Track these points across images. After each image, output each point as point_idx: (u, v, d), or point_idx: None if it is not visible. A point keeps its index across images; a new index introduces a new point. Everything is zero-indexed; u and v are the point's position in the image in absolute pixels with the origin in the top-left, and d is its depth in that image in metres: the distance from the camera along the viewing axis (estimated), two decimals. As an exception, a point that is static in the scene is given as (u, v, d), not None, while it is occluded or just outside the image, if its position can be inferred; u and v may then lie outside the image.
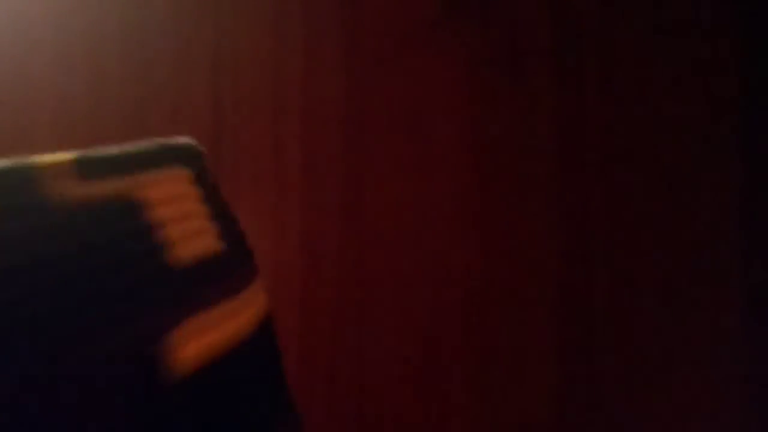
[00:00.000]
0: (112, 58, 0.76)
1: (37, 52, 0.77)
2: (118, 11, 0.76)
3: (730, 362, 0.62)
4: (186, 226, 0.34)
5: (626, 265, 0.65)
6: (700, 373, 0.63)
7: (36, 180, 0.29)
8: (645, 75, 0.65)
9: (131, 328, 0.29)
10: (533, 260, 0.66)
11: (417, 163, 0.69)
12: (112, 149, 0.33)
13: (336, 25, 0.71)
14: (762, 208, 0.63)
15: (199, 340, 0.31)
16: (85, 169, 0.30)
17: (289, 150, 0.71)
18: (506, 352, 0.66)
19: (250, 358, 0.34)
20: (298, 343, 0.69)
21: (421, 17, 0.69)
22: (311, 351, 0.69)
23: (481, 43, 0.68)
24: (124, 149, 0.33)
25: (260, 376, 0.34)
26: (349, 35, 0.70)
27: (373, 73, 0.70)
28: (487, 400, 0.66)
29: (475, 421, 0.66)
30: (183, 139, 0.37)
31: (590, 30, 0.66)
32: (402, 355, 0.68)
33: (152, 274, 0.31)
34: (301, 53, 0.71)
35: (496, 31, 0.68)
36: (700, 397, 0.63)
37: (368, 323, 0.69)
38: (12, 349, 0.25)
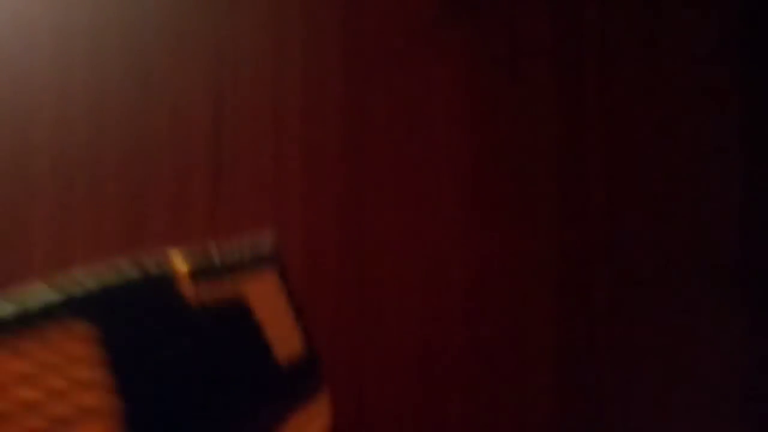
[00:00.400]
0: (112, 58, 0.76)
1: (37, 52, 0.77)
2: (118, 11, 0.76)
3: (730, 362, 0.62)
4: (280, 328, 0.37)
5: (626, 265, 0.65)
6: (701, 374, 0.63)
7: (172, 283, 0.31)
8: (645, 75, 0.65)
9: (254, 419, 0.32)
10: (533, 260, 0.66)
11: (417, 163, 0.69)
12: (212, 253, 0.35)
13: (336, 25, 0.71)
14: (762, 208, 0.63)
15: None
16: (198, 276, 0.33)
17: (289, 150, 0.71)
18: (506, 353, 0.66)
19: None
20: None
21: (421, 17, 0.69)
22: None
23: (481, 43, 0.68)
24: (223, 254, 0.36)
25: None
26: (349, 35, 0.70)
27: (373, 73, 0.70)
28: (487, 400, 0.66)
29: (475, 421, 0.66)
30: (266, 241, 0.39)
31: (590, 30, 0.66)
32: (402, 355, 0.68)
33: (266, 372, 0.35)
34: (301, 53, 0.71)
35: (496, 31, 0.68)
36: (701, 397, 0.63)
37: (368, 323, 0.69)
38: None
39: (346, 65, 0.71)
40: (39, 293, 0.27)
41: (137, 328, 0.29)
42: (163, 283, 0.31)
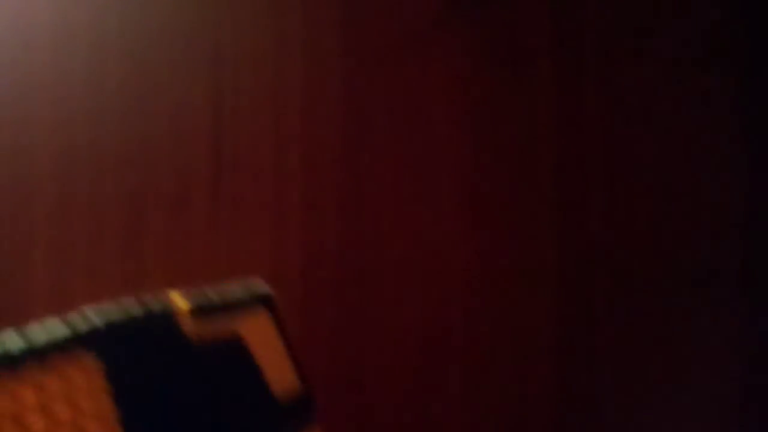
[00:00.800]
0: (112, 58, 0.76)
1: (37, 52, 0.77)
2: (118, 11, 0.76)
3: (729, 361, 0.62)
4: (276, 365, 0.39)
5: (626, 265, 0.65)
6: (700, 373, 0.63)
7: (173, 320, 0.33)
8: (645, 75, 0.65)
9: None
10: (533, 260, 0.66)
11: (417, 163, 0.69)
12: (209, 292, 0.37)
13: (336, 25, 0.71)
14: (763, 209, 0.63)
15: None
16: (196, 313, 0.35)
17: (289, 150, 0.71)
18: (506, 352, 0.66)
19: None
20: (298, 343, 0.69)
21: (422, 17, 0.69)
22: (311, 351, 0.69)
23: (482, 43, 0.68)
24: (220, 293, 0.37)
25: None
26: (349, 35, 0.70)
27: (373, 73, 0.70)
28: (487, 399, 0.66)
29: (475, 421, 0.66)
30: (258, 282, 0.41)
31: (590, 30, 0.66)
32: (402, 354, 0.68)
33: (264, 407, 0.36)
34: (301, 53, 0.71)
35: (496, 31, 0.68)
36: (700, 396, 0.63)
37: (368, 323, 0.69)
38: None
39: (346, 65, 0.70)
40: (47, 327, 0.28)
41: (140, 362, 0.30)
42: (164, 320, 0.33)
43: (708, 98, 0.64)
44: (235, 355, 0.36)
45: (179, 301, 0.34)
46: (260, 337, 0.39)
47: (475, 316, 0.67)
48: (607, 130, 0.66)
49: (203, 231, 0.72)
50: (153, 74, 0.74)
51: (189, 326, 0.34)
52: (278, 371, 0.39)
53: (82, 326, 0.29)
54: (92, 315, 0.30)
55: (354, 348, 0.69)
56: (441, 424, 0.67)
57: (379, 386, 0.68)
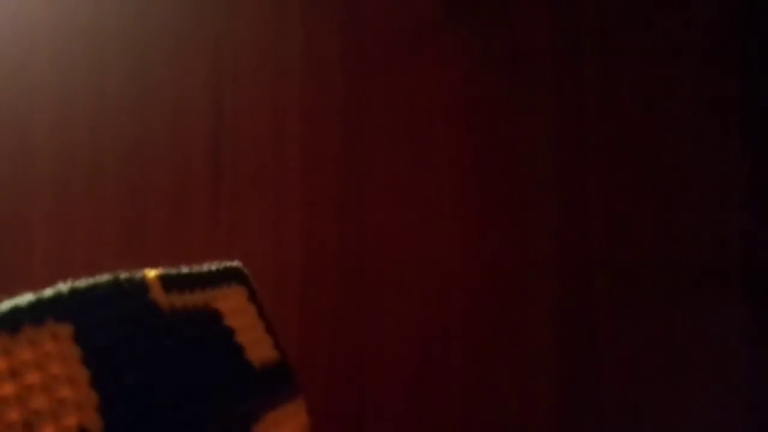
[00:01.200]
0: (112, 58, 0.76)
1: (37, 52, 0.77)
2: (118, 11, 0.76)
3: (730, 362, 0.62)
4: (252, 334, 0.39)
5: (626, 265, 0.65)
6: (701, 373, 0.63)
7: (139, 293, 0.34)
8: (645, 75, 0.65)
9: (228, 415, 0.34)
10: (533, 260, 0.66)
11: (417, 163, 0.69)
12: (184, 269, 0.38)
13: (336, 25, 0.71)
14: (763, 208, 0.63)
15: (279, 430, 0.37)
16: (168, 283, 0.36)
17: (289, 150, 0.71)
18: (506, 352, 0.66)
19: None
20: (298, 343, 0.69)
21: (422, 18, 0.69)
22: (311, 351, 0.69)
23: (481, 43, 0.68)
24: (194, 270, 0.39)
25: None
26: (349, 35, 0.70)
27: (373, 73, 0.70)
28: (487, 400, 0.66)
29: (475, 421, 0.66)
30: (235, 263, 0.42)
31: (590, 30, 0.66)
32: (402, 355, 0.68)
33: (238, 371, 0.37)
34: (301, 53, 0.71)
35: (496, 31, 0.68)
36: (701, 397, 0.63)
37: (368, 323, 0.69)
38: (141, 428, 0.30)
39: (346, 65, 0.71)
40: (16, 299, 0.28)
41: (109, 325, 0.31)
42: (134, 288, 0.34)
43: (708, 98, 0.64)
44: (208, 322, 0.36)
45: (150, 273, 0.35)
46: (236, 310, 0.39)
47: (475, 316, 0.67)
48: (607, 129, 0.66)
49: (203, 231, 0.72)
50: (153, 74, 0.74)
51: (160, 296, 0.35)
52: (254, 341, 0.39)
53: (50, 295, 0.29)
54: (62, 286, 0.30)
55: (354, 348, 0.69)
56: (441, 424, 0.67)
57: (379, 386, 0.68)
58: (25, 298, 0.29)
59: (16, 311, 0.28)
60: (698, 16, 0.64)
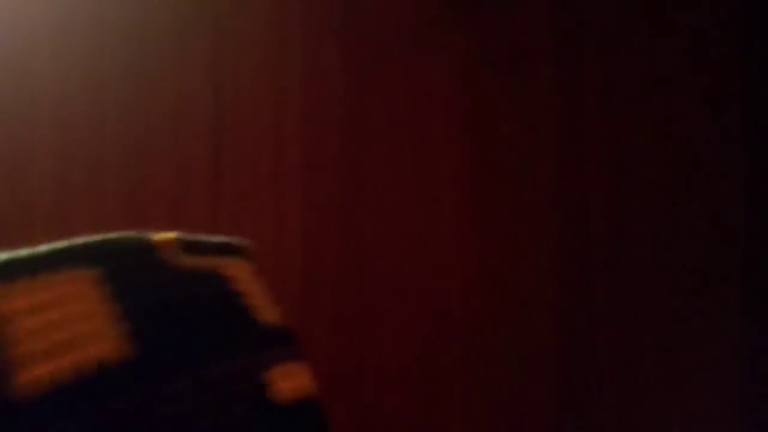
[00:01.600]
0: (112, 58, 0.76)
1: (37, 52, 0.77)
2: (117, 11, 0.76)
3: (729, 362, 0.62)
4: (257, 300, 0.42)
5: (626, 265, 0.65)
6: (700, 374, 0.63)
7: (153, 249, 0.37)
8: (645, 75, 0.65)
9: (240, 358, 0.37)
10: (533, 261, 0.66)
11: (417, 163, 0.69)
12: (198, 237, 0.42)
13: (336, 25, 0.71)
14: (763, 209, 0.63)
15: (287, 382, 0.40)
16: (183, 245, 0.39)
17: (289, 150, 0.71)
18: (506, 353, 0.66)
19: (318, 410, 0.44)
20: (298, 343, 0.69)
21: (421, 17, 0.69)
22: (311, 351, 0.69)
23: (481, 43, 0.68)
24: (206, 239, 0.43)
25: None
26: (349, 35, 0.70)
27: (373, 73, 0.70)
28: (488, 400, 0.66)
29: (475, 421, 0.66)
30: (240, 239, 0.46)
31: (590, 30, 0.66)
32: (402, 355, 0.68)
33: (247, 324, 0.40)
34: (301, 53, 0.71)
35: (496, 31, 0.68)
36: (700, 397, 0.63)
37: (368, 323, 0.69)
38: (159, 366, 0.33)
39: (345, 66, 0.71)
40: (36, 248, 0.32)
41: (137, 271, 0.35)
42: (155, 243, 0.37)
43: (708, 98, 0.64)
44: (216, 282, 0.40)
45: (168, 233, 0.39)
46: (242, 279, 0.42)
47: (475, 316, 0.67)
48: (607, 129, 0.66)
49: (203, 231, 0.72)
50: (153, 74, 0.74)
51: (177, 253, 0.38)
52: (260, 306, 0.42)
53: (76, 244, 0.33)
54: (80, 239, 0.34)
55: (354, 348, 0.69)
56: (441, 423, 0.67)
57: (379, 386, 0.68)
58: (44, 248, 0.32)
59: (38, 256, 0.31)
60: (698, 16, 0.64)
